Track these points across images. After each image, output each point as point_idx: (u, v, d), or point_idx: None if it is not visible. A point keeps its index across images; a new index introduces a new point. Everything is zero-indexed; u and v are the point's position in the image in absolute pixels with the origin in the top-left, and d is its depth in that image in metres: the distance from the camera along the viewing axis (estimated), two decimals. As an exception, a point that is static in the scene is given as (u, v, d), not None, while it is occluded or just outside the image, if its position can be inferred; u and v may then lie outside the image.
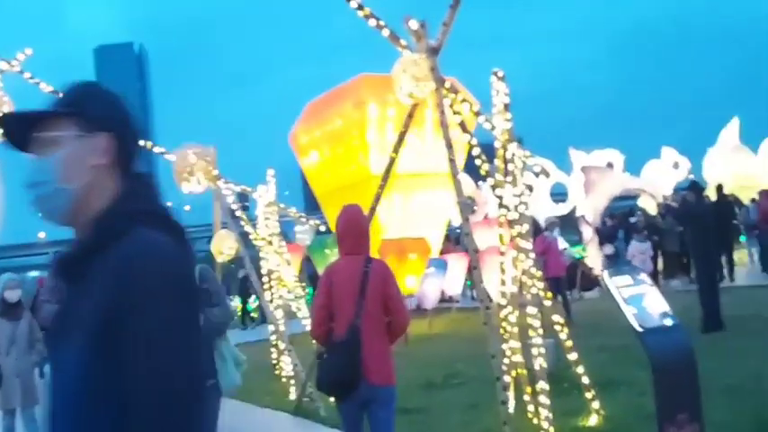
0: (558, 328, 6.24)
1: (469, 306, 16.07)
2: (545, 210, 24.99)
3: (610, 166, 25.65)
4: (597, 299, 16.84)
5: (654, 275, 16.34)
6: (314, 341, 4.42)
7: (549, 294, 6.20)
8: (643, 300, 4.18)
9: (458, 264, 15.51)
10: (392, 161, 6.41)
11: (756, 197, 17.11)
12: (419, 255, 13.30)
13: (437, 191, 15.86)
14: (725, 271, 16.06)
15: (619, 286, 4.27)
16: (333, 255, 12.45)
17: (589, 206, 22.53)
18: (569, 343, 6.23)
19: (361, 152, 16.14)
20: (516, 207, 6.12)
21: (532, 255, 6.11)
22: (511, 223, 6.10)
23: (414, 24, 5.62)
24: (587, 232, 20.12)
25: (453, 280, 15.89)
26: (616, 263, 17.18)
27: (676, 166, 25.57)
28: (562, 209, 26.85)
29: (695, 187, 10.01)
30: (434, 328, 14.38)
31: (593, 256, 19.28)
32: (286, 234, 25.52)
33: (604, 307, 14.80)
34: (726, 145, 21.73)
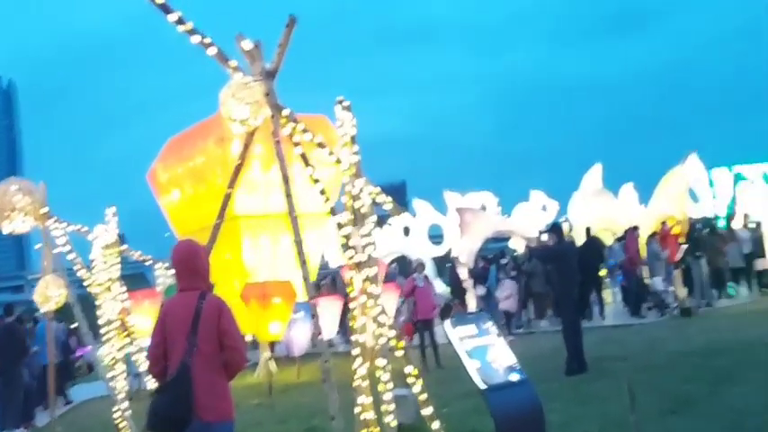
0: (410, 380, 5.70)
1: (346, 350, 15.47)
2: (422, 251, 25.00)
3: (483, 208, 26.15)
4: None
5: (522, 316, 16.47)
6: None
7: (401, 344, 5.66)
8: (488, 352, 3.71)
9: (330, 307, 14.88)
10: (228, 197, 5.74)
11: (619, 236, 17.75)
12: (284, 299, 12.51)
13: (306, 232, 15.21)
14: (596, 309, 16.44)
15: (462, 337, 3.78)
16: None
17: (464, 247, 22.72)
18: (423, 396, 5.70)
19: (225, 191, 15.22)
20: (364, 248, 5.58)
21: (388, 299, 5.59)
22: (359, 266, 5.54)
23: (247, 45, 5.04)
24: (462, 273, 20.15)
25: (325, 324, 15.23)
26: (488, 303, 17.18)
27: (545, 208, 26.41)
28: (439, 250, 27.03)
29: (555, 229, 9.98)
30: (303, 375, 13.66)
31: (468, 297, 19.26)
32: (146, 278, 23.84)
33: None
34: (589, 189, 22.61)
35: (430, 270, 23.06)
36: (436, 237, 27.54)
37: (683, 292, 16.23)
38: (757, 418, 5.99)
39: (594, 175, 23.12)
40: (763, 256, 15.23)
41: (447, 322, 4.05)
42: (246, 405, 10.07)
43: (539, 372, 9.81)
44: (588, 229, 17.12)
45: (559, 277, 9.69)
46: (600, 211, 21.45)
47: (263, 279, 14.40)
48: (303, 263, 5.00)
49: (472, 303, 18.53)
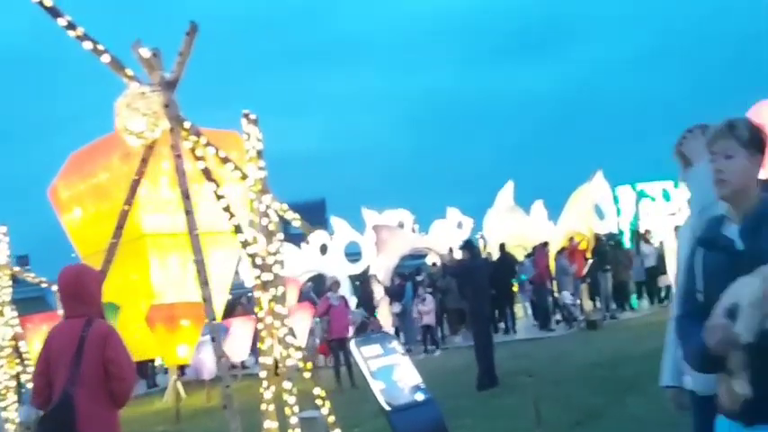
0: (319, 402, 5.54)
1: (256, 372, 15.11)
2: (340, 269, 24.85)
3: (401, 225, 26.30)
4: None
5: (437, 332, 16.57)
6: None
7: (309, 365, 5.50)
8: (394, 372, 3.62)
9: (242, 328, 14.47)
10: (125, 214, 5.45)
11: (529, 252, 18.20)
12: (192, 321, 12.01)
13: (219, 251, 14.78)
14: (509, 323, 16.74)
15: (367, 357, 3.68)
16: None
17: (381, 265, 22.73)
18: (332, 418, 5.55)
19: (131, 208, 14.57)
20: (271, 267, 5.41)
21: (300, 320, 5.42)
22: (265, 285, 5.36)
23: (145, 52, 4.80)
24: (378, 291, 20.13)
25: (238, 345, 14.81)
26: (404, 321, 17.21)
27: (460, 225, 26.84)
28: (356, 268, 26.94)
29: (469, 245, 10.08)
30: (213, 399, 13.16)
31: (384, 315, 19.23)
32: (46, 301, 22.58)
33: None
34: (502, 206, 23.14)
35: (347, 288, 22.94)
36: (354, 254, 27.47)
37: (589, 305, 16.79)
38: (658, 428, 6.16)
39: (507, 192, 23.71)
40: (665, 272, 15.94)
41: (352, 342, 3.93)
42: (151, 433, 9.61)
43: (451, 388, 9.87)
44: (502, 245, 17.49)
45: (472, 293, 9.78)
46: (512, 227, 21.99)
47: (171, 300, 13.86)
48: (205, 283, 4.78)
49: (387, 321, 18.53)
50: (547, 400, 7.99)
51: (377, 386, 3.51)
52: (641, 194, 26.07)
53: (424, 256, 25.43)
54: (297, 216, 6.21)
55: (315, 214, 31.93)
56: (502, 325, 16.47)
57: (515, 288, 16.72)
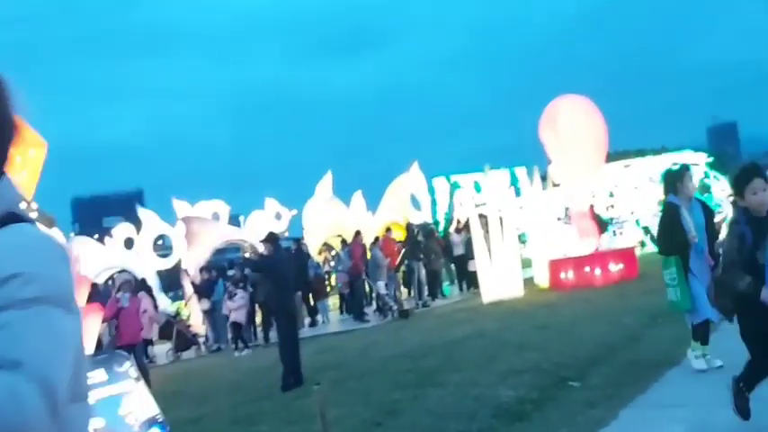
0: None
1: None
2: (149, 265, 23.12)
3: (216, 217, 25.02)
4: (194, 359, 15.64)
5: (252, 329, 15.81)
6: None
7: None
8: (121, 404, 2.88)
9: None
10: None
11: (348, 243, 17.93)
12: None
13: None
14: (319, 317, 16.38)
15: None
16: None
17: (191, 259, 21.39)
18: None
19: None
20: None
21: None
22: None
23: None
24: (188, 287, 18.90)
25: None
26: (213, 318, 16.23)
27: (279, 216, 26.12)
28: (167, 263, 25.28)
29: (271, 238, 9.45)
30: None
31: (193, 312, 18.10)
32: None
33: (202, 367, 13.68)
34: (321, 197, 22.76)
35: (155, 285, 21.35)
36: (167, 248, 25.79)
37: (402, 294, 16.89)
38: (457, 421, 5.98)
39: (326, 183, 23.38)
40: (472, 257, 16.41)
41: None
42: None
43: (254, 390, 9.22)
44: (298, 240, 17.57)
45: (274, 288, 9.18)
46: (331, 218, 21.68)
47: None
48: None
49: (197, 318, 17.44)
50: (349, 396, 7.65)
51: (94, 424, 2.74)
52: (455, 186, 27.05)
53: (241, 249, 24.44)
54: (34, 206, 5.21)
55: (132, 206, 29.62)
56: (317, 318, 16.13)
57: (331, 280, 16.38)
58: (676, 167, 6.85)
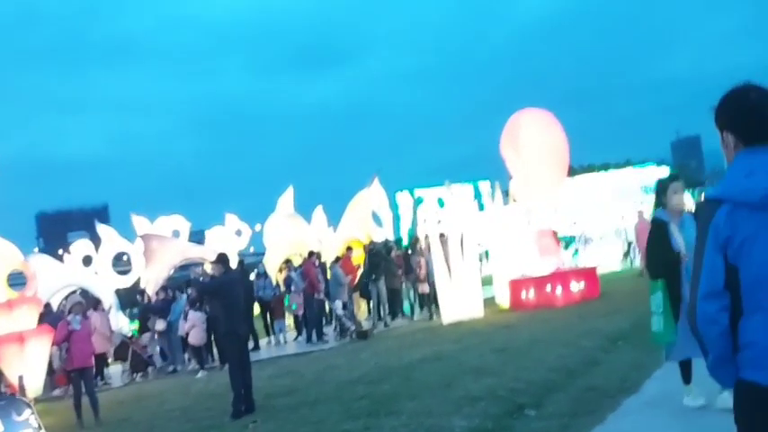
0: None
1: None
2: (106, 282, 22.50)
3: (176, 233, 24.50)
4: (149, 381, 15.09)
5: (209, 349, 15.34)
6: None
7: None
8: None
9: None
10: None
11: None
12: None
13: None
14: (272, 338, 15.98)
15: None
16: None
17: (150, 277, 20.83)
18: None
19: None
20: None
21: None
22: None
23: None
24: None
25: None
26: (169, 339, 15.72)
27: (239, 233, 25.69)
28: (126, 281, 24.70)
29: (221, 258, 9.11)
30: None
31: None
32: None
33: (154, 390, 13.16)
34: (282, 213, 22.45)
35: (114, 303, 20.75)
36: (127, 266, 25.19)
37: (360, 314, 16.62)
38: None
39: (287, 198, 23.07)
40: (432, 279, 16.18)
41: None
42: None
43: (203, 417, 8.82)
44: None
45: (223, 311, 8.84)
46: (292, 234, 21.33)
47: None
48: None
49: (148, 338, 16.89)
50: (300, 427, 7.33)
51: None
52: (419, 201, 26.96)
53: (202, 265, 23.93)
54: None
55: (97, 220, 28.85)
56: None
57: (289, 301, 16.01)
58: (663, 178, 5.99)
